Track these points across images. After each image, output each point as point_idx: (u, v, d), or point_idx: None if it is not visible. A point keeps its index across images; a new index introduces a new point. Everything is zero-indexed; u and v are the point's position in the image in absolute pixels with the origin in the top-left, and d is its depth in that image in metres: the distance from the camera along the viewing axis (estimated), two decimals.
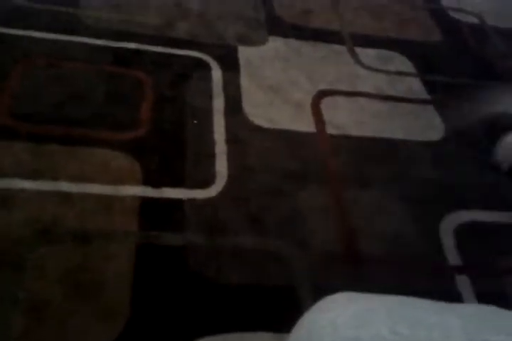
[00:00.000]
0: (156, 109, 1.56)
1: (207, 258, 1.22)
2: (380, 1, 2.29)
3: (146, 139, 1.46)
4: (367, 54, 1.97)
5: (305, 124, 1.64)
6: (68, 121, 1.45)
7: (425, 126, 1.75)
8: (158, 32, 1.82)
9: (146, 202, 1.30)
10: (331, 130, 1.65)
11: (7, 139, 1.35)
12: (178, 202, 1.32)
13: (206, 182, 1.40)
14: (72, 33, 1.71)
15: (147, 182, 1.35)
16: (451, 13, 2.33)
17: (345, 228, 1.38)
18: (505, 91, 1.98)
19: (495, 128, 1.68)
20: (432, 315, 0.68)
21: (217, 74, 1.73)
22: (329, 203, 1.43)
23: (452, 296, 1.26)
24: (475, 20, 2.31)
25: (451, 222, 1.47)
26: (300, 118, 1.66)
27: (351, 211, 1.43)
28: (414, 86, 1.89)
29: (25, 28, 1.68)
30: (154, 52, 1.74)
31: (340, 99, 1.77)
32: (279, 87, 1.75)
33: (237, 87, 1.70)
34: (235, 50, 1.84)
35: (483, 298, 1.29)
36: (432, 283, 1.31)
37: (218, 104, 1.63)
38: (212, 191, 1.38)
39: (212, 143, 1.51)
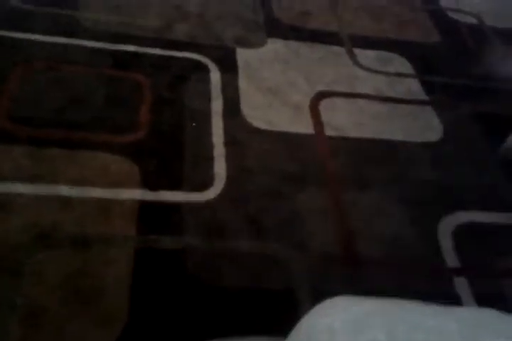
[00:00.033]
0: (155, 111, 1.56)
1: (205, 262, 1.22)
2: (379, 3, 2.29)
3: (145, 142, 1.46)
4: (366, 55, 1.98)
5: (304, 126, 1.65)
6: (67, 125, 1.45)
7: (424, 127, 1.75)
8: (157, 34, 1.82)
9: (144, 205, 1.31)
10: (329, 132, 1.65)
11: (6, 143, 1.36)
12: (176, 205, 1.33)
13: (205, 184, 1.40)
14: (71, 35, 1.72)
15: (146, 185, 1.35)
16: (450, 14, 2.33)
17: (343, 230, 1.39)
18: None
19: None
20: (429, 319, 0.69)
21: (215, 76, 1.73)
22: (328, 205, 1.43)
23: (451, 298, 1.27)
24: (474, 21, 2.31)
25: (449, 224, 1.47)
26: (299, 120, 1.66)
27: (350, 213, 1.43)
28: (413, 87, 1.89)
29: (24, 30, 1.69)
30: (153, 55, 1.74)
31: (339, 101, 1.77)
32: (277, 88, 1.75)
33: (236, 89, 1.71)
34: (233, 52, 1.84)
35: (482, 299, 1.29)
36: (431, 284, 1.31)
37: (217, 106, 1.63)
38: (210, 193, 1.38)
39: (210, 146, 1.51)
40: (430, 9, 2.33)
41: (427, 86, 1.91)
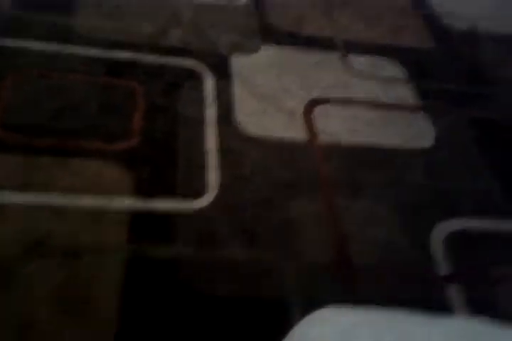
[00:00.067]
0: (148, 118, 1.56)
1: (198, 271, 1.22)
2: (373, 9, 2.30)
3: (138, 149, 1.46)
4: (360, 61, 1.98)
5: (298, 132, 1.65)
6: (60, 133, 1.45)
7: (418, 132, 1.75)
8: (151, 41, 1.82)
9: (137, 213, 1.30)
10: (323, 138, 1.65)
11: None
12: (169, 214, 1.32)
13: (198, 192, 1.40)
14: (64, 42, 1.72)
15: (139, 193, 1.35)
16: (444, 19, 2.33)
17: (337, 238, 1.38)
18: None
19: None
20: (417, 330, 0.69)
21: (209, 83, 1.73)
22: (322, 213, 1.43)
23: (443, 306, 1.26)
24: (467, 26, 2.32)
25: (442, 230, 1.47)
26: (293, 126, 1.66)
27: (343, 220, 1.43)
28: (407, 93, 1.89)
29: (16, 37, 1.69)
30: (147, 62, 1.74)
31: (333, 107, 1.77)
32: (272, 95, 1.76)
33: (230, 96, 1.71)
34: (227, 59, 1.84)
35: (474, 307, 1.28)
36: (423, 292, 1.30)
37: (211, 113, 1.63)
38: (203, 202, 1.38)
39: (204, 153, 1.51)
40: (424, 14, 2.33)
41: (421, 91, 1.91)
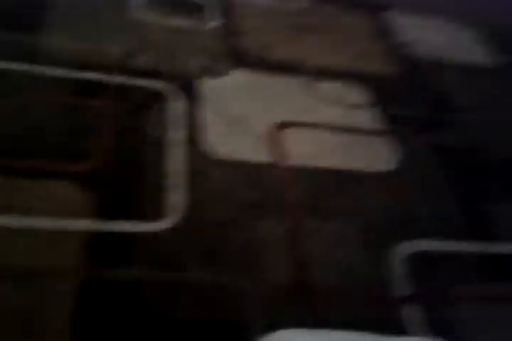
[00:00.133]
0: (116, 140, 1.55)
1: (158, 293, 1.20)
2: (341, 35, 2.35)
3: (103, 171, 1.45)
4: (327, 86, 2.02)
5: (265, 155, 1.66)
6: (23, 154, 1.42)
7: (382, 157, 1.79)
8: (121, 62, 1.82)
9: (97, 236, 1.28)
10: (290, 161, 1.67)
11: None
12: (130, 236, 1.31)
13: (161, 214, 1.39)
14: (30, 62, 1.70)
15: (100, 215, 1.33)
16: (409, 47, 2.40)
17: (300, 261, 1.38)
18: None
19: None
20: None
21: (178, 105, 1.74)
22: (286, 235, 1.43)
23: (401, 326, 1.27)
24: (431, 54, 2.39)
25: (403, 252, 1.49)
26: (260, 149, 1.68)
27: (307, 242, 1.43)
28: (373, 118, 1.93)
29: None
30: (115, 83, 1.74)
31: (300, 131, 1.79)
32: (240, 118, 1.77)
33: (198, 118, 1.71)
34: (197, 82, 1.85)
35: (434, 327, 1.30)
36: (383, 313, 1.31)
37: (178, 135, 1.63)
38: (167, 223, 1.37)
39: (170, 175, 1.50)
40: (389, 43, 2.41)
41: (386, 117, 1.95)
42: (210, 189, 1.50)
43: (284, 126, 1.79)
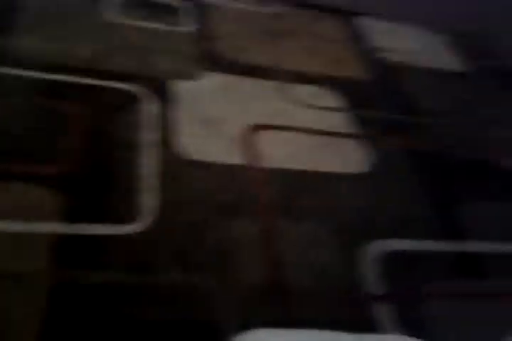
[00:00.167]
0: (86, 142, 1.52)
1: (129, 295, 1.18)
2: (315, 40, 2.37)
3: (72, 173, 1.42)
4: (301, 90, 2.03)
5: (238, 157, 1.65)
6: None
7: (355, 159, 1.80)
8: (92, 64, 1.81)
9: (65, 238, 1.25)
10: (264, 163, 1.66)
11: None
12: (100, 239, 1.28)
13: (132, 217, 1.36)
14: (0, 64, 1.67)
15: (69, 217, 1.30)
16: (381, 53, 2.44)
17: (273, 261, 1.38)
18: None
19: None
20: None
21: (150, 107, 1.72)
22: (259, 235, 1.42)
23: (375, 325, 1.27)
24: (404, 59, 2.43)
25: (376, 252, 1.49)
26: (234, 151, 1.67)
27: (281, 243, 1.43)
28: (346, 121, 1.95)
29: None
30: (86, 85, 1.72)
31: (274, 133, 1.79)
32: (213, 120, 1.76)
33: (171, 121, 1.70)
34: (170, 84, 1.84)
35: (405, 324, 1.30)
36: (356, 313, 1.31)
37: (151, 137, 1.62)
38: (138, 226, 1.35)
39: (142, 177, 1.48)
40: (363, 48, 2.43)
41: (359, 120, 1.97)
42: (184, 190, 1.48)
43: (258, 128, 1.79)
